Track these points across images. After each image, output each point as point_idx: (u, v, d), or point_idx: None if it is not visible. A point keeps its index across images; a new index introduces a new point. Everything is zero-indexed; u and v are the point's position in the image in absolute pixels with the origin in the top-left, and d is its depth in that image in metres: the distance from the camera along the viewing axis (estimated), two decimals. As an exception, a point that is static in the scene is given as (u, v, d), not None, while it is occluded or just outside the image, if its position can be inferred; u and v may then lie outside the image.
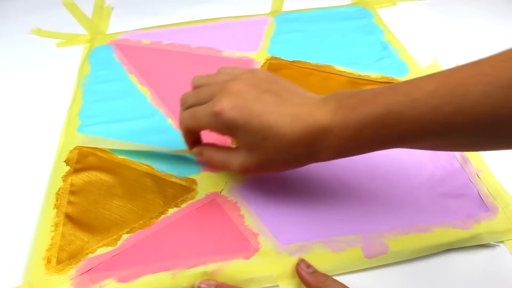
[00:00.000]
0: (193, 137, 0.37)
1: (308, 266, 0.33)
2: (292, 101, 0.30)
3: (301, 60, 0.54)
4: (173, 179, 0.41)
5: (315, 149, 0.30)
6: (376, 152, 0.42)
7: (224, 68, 0.36)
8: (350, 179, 0.40)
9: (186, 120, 0.34)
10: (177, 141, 0.44)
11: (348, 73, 0.51)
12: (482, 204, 0.37)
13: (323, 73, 0.52)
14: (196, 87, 0.35)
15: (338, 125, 0.29)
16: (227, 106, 0.30)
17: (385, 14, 0.62)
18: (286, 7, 0.64)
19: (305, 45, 0.57)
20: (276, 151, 0.30)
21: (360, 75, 0.51)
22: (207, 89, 0.33)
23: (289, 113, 0.29)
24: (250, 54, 0.55)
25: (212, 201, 0.39)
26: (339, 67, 0.52)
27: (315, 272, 0.32)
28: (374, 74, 0.51)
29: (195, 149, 0.37)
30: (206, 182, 0.40)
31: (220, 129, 0.31)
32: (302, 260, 0.33)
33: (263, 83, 0.31)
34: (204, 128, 0.33)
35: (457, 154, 0.42)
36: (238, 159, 0.32)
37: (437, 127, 0.27)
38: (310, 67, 0.53)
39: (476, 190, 0.39)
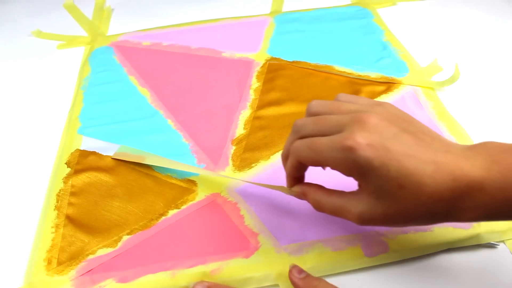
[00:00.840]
0: (299, 173, 0.32)
1: (300, 271, 0.32)
2: (434, 147, 0.26)
3: (301, 60, 0.54)
4: (173, 181, 0.41)
5: (459, 207, 0.25)
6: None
7: (344, 95, 0.31)
8: (349, 179, 0.40)
9: (302, 151, 0.29)
10: (177, 142, 0.45)
11: (348, 73, 0.51)
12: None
13: (323, 73, 0.52)
14: (313, 114, 0.31)
15: (494, 183, 0.24)
16: (362, 142, 0.25)
17: (385, 14, 0.62)
18: (286, 7, 0.65)
19: (305, 45, 0.57)
20: (412, 203, 0.25)
21: (360, 75, 0.51)
22: (332, 119, 0.28)
23: (432, 160, 0.25)
24: (250, 55, 0.56)
25: (212, 202, 0.39)
26: (339, 67, 0.52)
27: (307, 277, 0.32)
28: (374, 74, 0.51)
29: (298, 188, 0.32)
30: (206, 184, 0.40)
31: (347, 168, 0.27)
32: (294, 266, 0.33)
33: (399, 120, 0.27)
34: (324, 164, 0.28)
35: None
36: (358, 207, 0.27)
37: None
38: (310, 68, 0.53)
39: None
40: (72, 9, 0.68)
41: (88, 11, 0.67)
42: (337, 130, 0.27)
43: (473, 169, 0.24)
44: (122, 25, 0.64)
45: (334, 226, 0.36)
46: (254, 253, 0.35)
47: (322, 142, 0.27)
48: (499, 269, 0.34)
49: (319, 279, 0.32)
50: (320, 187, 0.31)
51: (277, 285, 0.34)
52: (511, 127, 0.45)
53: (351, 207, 0.28)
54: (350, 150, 0.25)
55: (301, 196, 0.32)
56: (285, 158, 0.32)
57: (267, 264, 0.34)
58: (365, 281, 0.34)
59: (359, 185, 0.28)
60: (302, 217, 0.37)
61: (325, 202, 0.29)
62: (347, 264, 0.34)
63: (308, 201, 0.31)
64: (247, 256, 0.35)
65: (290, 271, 0.33)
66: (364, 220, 0.27)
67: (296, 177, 0.32)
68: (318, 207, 0.30)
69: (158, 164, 0.41)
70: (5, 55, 0.60)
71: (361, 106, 0.29)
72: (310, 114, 0.31)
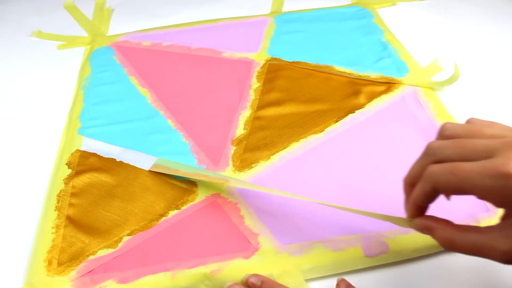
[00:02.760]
0: (428, 202, 0.28)
1: (348, 286, 0.32)
2: None
3: (301, 60, 0.54)
4: (174, 181, 0.41)
5: None
6: (375, 152, 0.42)
7: (477, 120, 0.28)
8: (350, 179, 0.40)
9: (442, 176, 0.25)
10: (177, 142, 0.45)
11: (348, 73, 0.51)
12: (482, 204, 0.37)
13: (323, 73, 0.52)
14: (450, 137, 0.27)
15: None
16: None
17: (385, 14, 0.62)
18: (286, 8, 0.65)
19: (305, 45, 0.57)
20: None
21: (360, 76, 0.51)
22: (478, 143, 0.25)
23: None
24: (250, 55, 0.56)
25: (213, 202, 0.39)
26: (339, 68, 0.52)
27: None
28: (374, 75, 0.51)
29: (422, 222, 0.28)
30: (206, 184, 0.40)
31: (503, 197, 0.23)
32: (342, 280, 0.33)
33: None
34: (470, 192, 0.24)
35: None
36: (507, 244, 0.24)
37: None
38: (310, 68, 0.53)
39: (476, 189, 0.38)
40: (72, 10, 0.68)
41: (88, 11, 0.67)
42: (486, 155, 0.24)
43: None
44: (122, 25, 0.64)
45: (335, 227, 0.36)
46: (254, 254, 0.35)
47: (470, 167, 0.24)
48: (499, 269, 0.34)
49: None
50: (449, 223, 0.28)
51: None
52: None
53: (496, 245, 0.24)
54: (507, 177, 0.23)
55: (426, 229, 0.28)
56: (410, 183, 0.29)
57: (267, 264, 0.34)
58: (366, 281, 0.34)
59: (504, 218, 0.25)
60: (302, 218, 0.37)
61: (460, 241, 0.26)
62: (348, 264, 0.34)
63: (435, 238, 0.28)
64: (247, 257, 0.35)
65: (337, 285, 0.32)
66: None
67: (421, 206, 0.28)
68: (450, 246, 0.27)
69: (194, 177, 0.40)
70: (5, 55, 0.60)
71: (508, 132, 0.26)
72: (446, 137, 0.28)
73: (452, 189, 0.25)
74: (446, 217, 0.37)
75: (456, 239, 0.26)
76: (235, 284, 0.33)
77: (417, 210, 0.29)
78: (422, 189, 0.27)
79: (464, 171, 0.24)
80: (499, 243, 0.24)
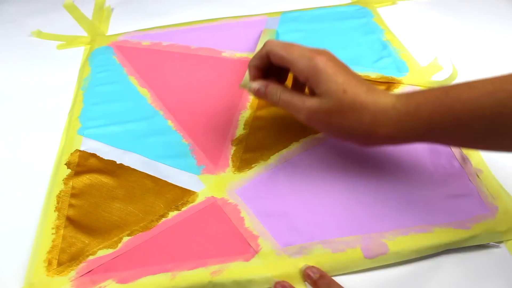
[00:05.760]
0: (261, 65, 0.38)
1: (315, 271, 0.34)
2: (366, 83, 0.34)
3: (300, 60, 0.54)
4: (174, 182, 0.41)
5: (378, 119, 0.32)
6: (375, 152, 0.42)
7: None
8: (349, 180, 0.40)
9: (277, 46, 0.36)
10: (177, 143, 0.45)
11: (348, 73, 0.51)
12: (482, 204, 0.37)
13: (323, 73, 0.52)
14: None
15: (400, 101, 0.32)
16: (324, 57, 0.34)
17: (385, 14, 0.62)
18: (286, 7, 0.64)
19: (305, 44, 0.56)
20: (349, 106, 0.32)
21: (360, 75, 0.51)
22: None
23: (366, 86, 0.33)
24: (250, 55, 0.55)
25: (212, 203, 0.39)
26: (339, 67, 0.52)
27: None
28: (374, 74, 0.51)
29: (259, 82, 0.38)
30: (207, 185, 0.40)
31: (307, 69, 0.34)
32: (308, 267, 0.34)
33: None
34: (289, 64, 0.35)
35: (457, 154, 0.42)
36: (310, 102, 0.34)
37: (489, 113, 0.28)
38: (310, 67, 0.53)
39: (476, 190, 0.39)
40: (72, 9, 0.68)
41: (88, 11, 0.67)
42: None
43: (389, 96, 0.33)
44: (122, 25, 0.64)
45: (334, 228, 0.36)
46: (254, 256, 0.35)
47: (297, 49, 0.35)
48: (499, 270, 0.34)
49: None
50: (279, 83, 0.37)
51: (277, 286, 0.34)
52: (511, 127, 0.44)
53: (305, 101, 0.34)
54: (314, 58, 0.33)
55: (261, 90, 0.37)
56: (254, 66, 0.38)
57: (267, 266, 0.34)
58: (365, 282, 0.34)
59: (311, 91, 0.35)
60: (302, 219, 0.37)
61: (283, 96, 0.36)
62: (347, 266, 0.34)
63: (266, 95, 0.37)
64: (247, 259, 0.35)
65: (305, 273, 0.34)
66: (311, 113, 0.34)
67: (258, 68, 0.38)
68: (276, 100, 0.37)
69: None
70: (5, 55, 0.60)
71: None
72: None
73: (279, 57, 0.35)
74: (446, 216, 0.37)
75: (281, 95, 0.36)
76: (283, 281, 0.33)
77: (256, 73, 0.38)
78: (259, 52, 0.37)
79: (292, 49, 0.35)
80: (306, 100, 0.34)
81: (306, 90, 0.39)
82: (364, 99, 0.32)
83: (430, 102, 0.31)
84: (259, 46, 0.50)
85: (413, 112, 0.31)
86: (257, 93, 0.38)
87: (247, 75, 0.39)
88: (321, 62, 0.33)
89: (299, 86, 0.39)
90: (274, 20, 0.62)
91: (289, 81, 0.40)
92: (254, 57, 0.38)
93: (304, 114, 0.34)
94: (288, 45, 0.35)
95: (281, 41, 0.36)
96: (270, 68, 0.38)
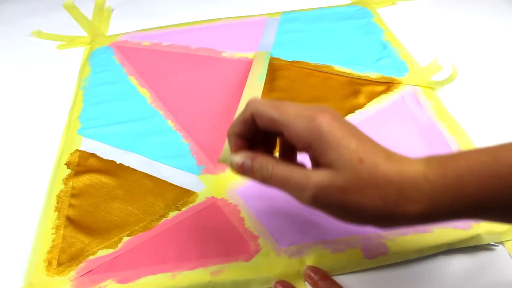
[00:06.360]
0: (245, 132, 0.29)
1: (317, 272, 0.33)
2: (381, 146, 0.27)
3: (301, 60, 0.54)
4: (174, 183, 0.41)
5: (406, 195, 0.25)
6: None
7: None
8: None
9: (263, 106, 0.27)
10: (177, 143, 0.45)
11: (348, 73, 0.51)
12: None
13: (323, 73, 0.52)
14: None
15: (432, 170, 0.25)
16: (327, 115, 0.26)
17: (385, 14, 0.62)
18: (286, 7, 0.64)
19: (305, 45, 0.57)
20: (369, 180, 0.25)
21: (359, 75, 0.51)
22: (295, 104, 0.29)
23: (384, 152, 0.26)
24: (250, 55, 0.55)
25: (213, 204, 0.39)
26: (339, 67, 0.52)
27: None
28: (373, 74, 0.51)
29: (243, 155, 0.28)
30: (207, 186, 0.40)
31: (309, 133, 0.26)
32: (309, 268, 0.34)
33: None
34: (283, 127, 0.27)
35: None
36: (316, 177, 0.25)
37: None
38: (310, 68, 0.53)
39: (476, 190, 0.38)
40: (72, 9, 0.68)
41: (88, 11, 0.67)
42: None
43: (415, 163, 0.26)
44: (122, 25, 0.64)
45: (334, 228, 0.36)
46: (255, 257, 0.35)
47: (291, 106, 0.27)
48: (498, 270, 0.34)
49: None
50: (269, 155, 0.29)
51: (277, 286, 0.34)
52: (511, 127, 0.44)
53: (309, 176, 0.26)
54: (316, 117, 0.26)
55: (246, 164, 0.28)
56: (234, 133, 0.29)
57: (267, 266, 0.34)
58: (365, 282, 0.34)
59: (315, 161, 0.27)
60: (302, 219, 0.37)
61: (279, 170, 0.27)
62: (347, 266, 0.34)
63: (253, 171, 0.28)
64: (247, 260, 0.35)
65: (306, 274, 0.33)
66: (320, 189, 0.25)
67: (241, 136, 0.29)
68: (267, 176, 0.27)
69: None
70: (5, 55, 0.60)
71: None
72: None
73: (268, 119, 0.27)
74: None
75: (275, 168, 0.27)
76: (283, 281, 0.33)
77: (239, 142, 0.29)
78: (241, 115, 0.28)
79: (285, 108, 0.27)
80: (312, 175, 0.25)
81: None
82: (386, 169, 0.25)
83: (475, 170, 0.24)
84: (253, 73, 0.47)
85: (453, 184, 0.24)
86: (241, 169, 0.28)
87: (226, 146, 0.30)
88: (325, 122, 0.25)
89: (287, 156, 0.31)
90: (274, 20, 0.62)
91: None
92: (235, 122, 0.29)
93: (310, 194, 0.25)
94: (278, 104, 0.27)
95: (267, 99, 0.28)
96: (255, 134, 0.29)
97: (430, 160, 0.26)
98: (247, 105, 0.28)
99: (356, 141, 0.25)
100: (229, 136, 0.29)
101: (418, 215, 0.25)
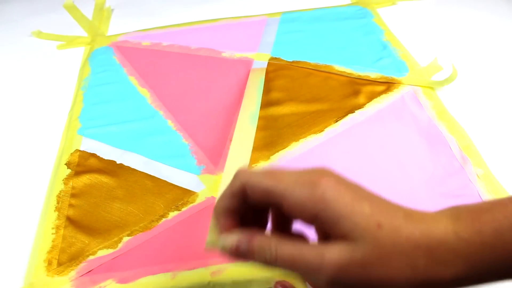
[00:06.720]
0: (233, 205, 0.25)
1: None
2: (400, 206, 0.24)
3: (301, 60, 0.54)
4: (174, 183, 0.41)
5: (438, 259, 0.22)
6: (375, 151, 0.42)
7: None
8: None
9: (255, 175, 0.24)
10: (177, 143, 0.45)
11: (348, 73, 0.51)
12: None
13: (323, 73, 0.52)
14: None
15: (463, 226, 0.22)
16: (331, 178, 0.23)
17: (385, 14, 0.62)
18: (286, 7, 0.64)
19: (305, 45, 0.57)
20: (392, 247, 0.21)
21: (360, 75, 0.51)
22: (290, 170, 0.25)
23: (401, 210, 0.23)
24: (250, 55, 0.55)
25: (213, 204, 0.39)
26: (339, 67, 0.52)
27: None
28: (373, 74, 0.51)
29: (237, 235, 0.24)
30: (207, 186, 0.40)
31: (313, 203, 0.22)
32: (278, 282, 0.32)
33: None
34: (277, 197, 0.23)
35: (457, 154, 0.42)
36: (331, 253, 0.21)
37: None
38: (310, 67, 0.53)
39: (476, 190, 0.39)
40: (72, 9, 0.68)
41: (88, 11, 0.67)
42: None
43: (439, 220, 0.22)
44: (122, 25, 0.64)
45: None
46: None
47: (287, 173, 0.23)
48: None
49: None
50: (274, 233, 0.25)
51: (277, 286, 0.33)
52: (511, 127, 0.44)
53: (323, 253, 0.22)
54: (318, 183, 0.22)
55: (242, 246, 0.24)
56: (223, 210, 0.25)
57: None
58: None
59: (324, 232, 0.23)
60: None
61: (285, 250, 0.23)
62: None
63: (252, 252, 0.23)
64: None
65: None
66: (339, 267, 0.21)
67: (232, 211, 0.25)
68: (271, 259, 0.23)
69: None
70: (5, 55, 0.60)
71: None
72: None
73: (262, 190, 0.23)
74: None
75: (281, 248, 0.23)
76: (284, 280, 0.33)
77: (228, 220, 0.25)
78: (230, 188, 0.24)
79: (280, 176, 0.23)
80: (326, 252, 0.22)
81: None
82: (409, 232, 0.21)
83: None
84: (245, 107, 0.44)
85: (492, 241, 0.21)
86: (237, 253, 0.24)
87: (213, 226, 0.26)
88: (330, 188, 0.22)
89: (282, 229, 0.26)
90: (274, 20, 0.62)
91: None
92: (222, 196, 0.25)
93: (328, 275, 0.21)
94: (272, 172, 0.24)
95: (258, 169, 0.24)
96: (246, 210, 0.25)
97: (458, 214, 0.22)
98: (236, 176, 0.24)
99: (369, 204, 0.22)
100: (216, 213, 0.25)
101: (454, 279, 0.22)
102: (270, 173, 0.23)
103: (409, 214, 0.22)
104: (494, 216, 0.22)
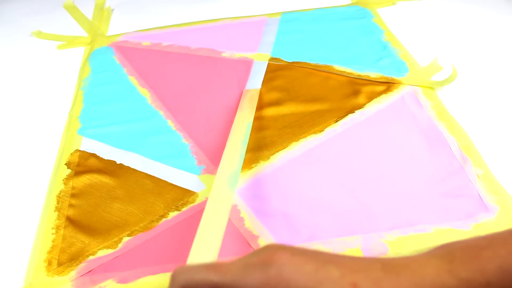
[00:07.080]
0: None
1: None
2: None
3: (300, 60, 0.54)
4: (174, 183, 0.41)
5: None
6: (375, 152, 0.42)
7: None
8: (349, 180, 0.40)
9: (197, 272, 0.21)
10: (177, 143, 0.45)
11: (348, 73, 0.51)
12: (482, 204, 0.37)
13: (323, 73, 0.52)
14: None
15: (464, 267, 0.20)
16: (286, 253, 0.21)
17: (385, 14, 0.62)
18: (286, 7, 0.64)
19: (305, 45, 0.57)
20: None
21: (360, 75, 0.51)
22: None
23: (377, 261, 0.21)
24: (250, 55, 0.55)
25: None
26: (339, 67, 0.52)
27: None
28: (373, 74, 0.51)
29: None
30: (207, 186, 0.40)
31: (267, 283, 0.20)
32: None
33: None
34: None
35: (457, 154, 0.42)
36: None
37: None
38: (310, 67, 0.53)
39: (476, 190, 0.39)
40: (72, 10, 0.68)
41: (88, 12, 0.67)
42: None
43: (429, 260, 0.20)
44: (122, 25, 0.64)
45: (334, 228, 0.36)
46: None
47: (233, 262, 0.21)
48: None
49: None
50: None
51: None
52: (511, 127, 0.44)
53: None
54: (270, 263, 0.20)
55: None
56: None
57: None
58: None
59: None
60: (302, 219, 0.37)
61: None
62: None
63: None
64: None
65: None
66: None
67: None
68: None
69: None
70: (5, 55, 0.60)
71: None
72: None
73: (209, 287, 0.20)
74: (446, 216, 0.37)
75: None
76: None
77: None
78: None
79: (225, 266, 0.21)
80: None
81: None
82: (393, 283, 0.19)
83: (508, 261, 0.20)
84: (238, 120, 0.42)
85: (499, 282, 0.20)
86: None
87: None
88: (285, 262, 0.20)
89: None
90: (274, 20, 0.62)
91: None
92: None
93: None
94: (214, 264, 0.21)
95: (194, 264, 0.22)
96: None
97: (451, 253, 0.21)
98: (174, 278, 0.21)
99: (335, 266, 0.20)
100: None
101: None
102: (213, 266, 0.21)
103: (388, 264, 0.20)
104: (496, 252, 0.20)
